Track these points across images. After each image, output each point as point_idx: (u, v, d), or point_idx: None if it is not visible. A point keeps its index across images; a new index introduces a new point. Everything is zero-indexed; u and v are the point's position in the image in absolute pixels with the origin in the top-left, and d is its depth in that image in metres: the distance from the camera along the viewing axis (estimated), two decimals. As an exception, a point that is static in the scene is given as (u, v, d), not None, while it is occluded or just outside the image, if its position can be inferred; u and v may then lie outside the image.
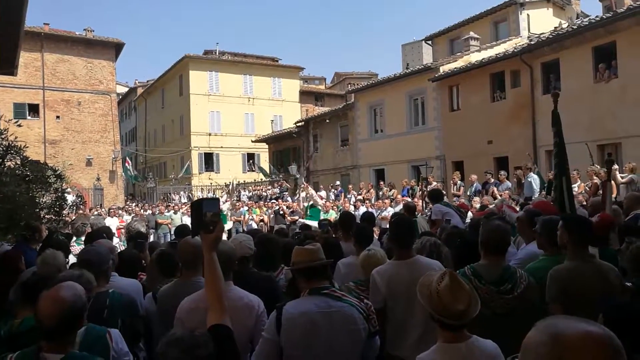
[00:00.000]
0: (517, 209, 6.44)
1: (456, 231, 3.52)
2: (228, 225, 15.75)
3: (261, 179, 28.90)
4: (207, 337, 1.66)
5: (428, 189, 13.38)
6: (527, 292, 2.84)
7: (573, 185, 7.12)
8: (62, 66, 29.89)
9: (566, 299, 2.83)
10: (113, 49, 31.64)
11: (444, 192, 11.07)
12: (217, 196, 22.41)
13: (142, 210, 19.96)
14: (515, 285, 2.84)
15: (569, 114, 10.24)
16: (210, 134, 34.20)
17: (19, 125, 4.89)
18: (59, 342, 2.08)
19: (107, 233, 5.26)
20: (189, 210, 3.76)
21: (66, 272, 2.73)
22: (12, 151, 4.69)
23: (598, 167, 10.21)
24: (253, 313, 2.66)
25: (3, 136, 4.74)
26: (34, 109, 29.07)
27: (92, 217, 12.71)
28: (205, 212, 2.02)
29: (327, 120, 25.01)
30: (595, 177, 9.93)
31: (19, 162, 4.88)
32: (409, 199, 13.09)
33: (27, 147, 4.59)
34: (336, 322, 2.46)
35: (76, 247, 5.85)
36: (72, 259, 4.77)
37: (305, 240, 3.86)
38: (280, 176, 26.44)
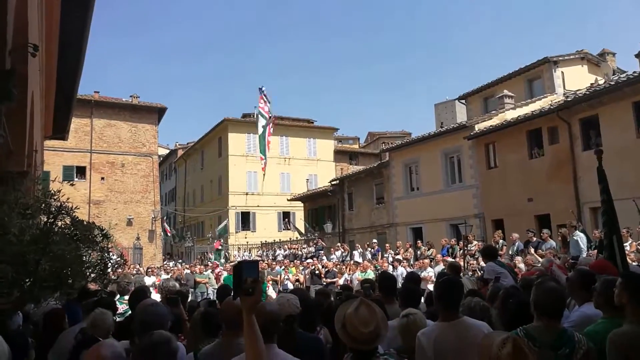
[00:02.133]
0: (566, 269, 6.18)
1: (513, 291, 3.38)
2: None
3: (297, 238, 28.95)
4: None
5: (469, 248, 13.06)
6: (586, 357, 2.68)
7: (624, 244, 6.82)
8: (108, 130, 31.54)
9: (629, 365, 2.65)
10: (156, 113, 33.32)
11: (498, 250, 10.75)
12: (257, 258, 22.58)
13: (182, 269, 20.10)
14: (573, 350, 2.68)
15: (613, 170, 9.91)
16: (247, 194, 34.79)
17: (72, 185, 5.14)
18: None
19: (147, 292, 5.32)
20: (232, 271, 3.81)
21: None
22: (64, 211, 4.88)
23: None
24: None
25: (56, 197, 4.97)
26: (81, 171, 30.52)
27: (134, 275, 12.91)
28: (245, 277, 2.10)
29: (362, 176, 25.12)
30: (646, 235, 9.50)
31: (68, 222, 5.06)
32: (449, 259, 12.76)
33: (78, 208, 4.80)
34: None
35: (119, 305, 5.91)
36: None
37: (348, 300, 3.78)
38: (316, 234, 26.45)
